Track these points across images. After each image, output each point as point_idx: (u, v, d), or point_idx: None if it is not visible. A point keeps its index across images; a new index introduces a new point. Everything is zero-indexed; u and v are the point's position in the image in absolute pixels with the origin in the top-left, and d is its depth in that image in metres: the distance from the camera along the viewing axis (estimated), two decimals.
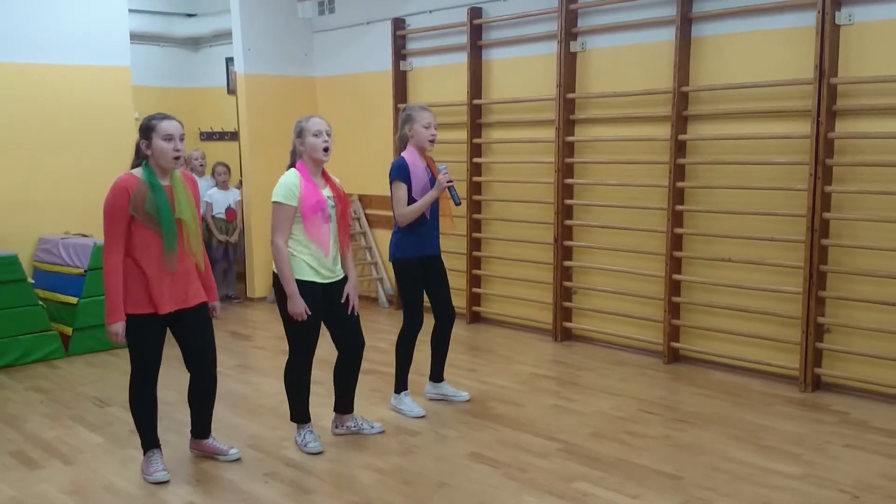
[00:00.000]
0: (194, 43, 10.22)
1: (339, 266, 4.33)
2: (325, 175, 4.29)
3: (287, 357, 4.36)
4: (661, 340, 6.01)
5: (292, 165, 4.26)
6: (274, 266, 4.18)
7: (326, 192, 4.22)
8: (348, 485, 3.95)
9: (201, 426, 4.27)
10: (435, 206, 4.76)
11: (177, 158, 3.83)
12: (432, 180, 4.72)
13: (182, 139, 3.85)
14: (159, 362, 3.98)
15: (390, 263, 4.91)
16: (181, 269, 3.89)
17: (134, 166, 3.89)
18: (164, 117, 3.85)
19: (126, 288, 3.78)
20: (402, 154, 4.76)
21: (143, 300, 3.82)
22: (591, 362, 6.02)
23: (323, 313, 4.27)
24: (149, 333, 3.87)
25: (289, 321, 4.20)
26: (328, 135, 4.21)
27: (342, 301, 4.31)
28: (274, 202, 4.12)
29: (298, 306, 4.12)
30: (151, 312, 3.84)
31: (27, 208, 6.78)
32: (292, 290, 4.11)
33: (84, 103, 7.07)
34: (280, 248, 4.11)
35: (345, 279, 4.36)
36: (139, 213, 3.75)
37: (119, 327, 3.78)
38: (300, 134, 4.21)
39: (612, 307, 6.37)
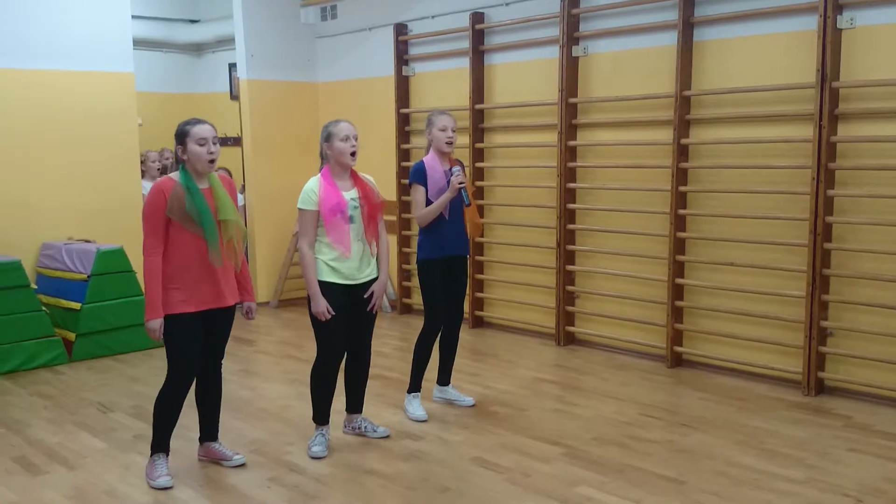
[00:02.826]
0: (197, 49, 10.25)
1: (369, 269, 4.37)
2: (354, 176, 4.33)
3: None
4: (664, 344, 6.00)
5: (322, 167, 4.35)
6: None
7: (351, 194, 4.27)
8: (352, 490, 3.95)
9: (209, 428, 4.29)
10: (457, 207, 4.81)
11: (212, 161, 3.91)
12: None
13: (216, 142, 3.94)
14: (196, 365, 4.01)
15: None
16: (220, 269, 3.95)
17: (172, 170, 4.01)
18: (197, 122, 3.95)
19: (165, 288, 3.86)
20: (424, 158, 4.85)
21: (182, 300, 3.89)
22: (594, 367, 6.02)
23: (348, 314, 4.31)
24: (187, 333, 3.92)
25: (315, 322, 4.26)
26: (355, 139, 4.28)
27: (364, 297, 4.34)
28: (298, 208, 4.24)
29: (319, 305, 4.19)
30: (190, 311, 3.90)
31: (30, 214, 6.80)
32: (313, 291, 4.21)
33: (88, 109, 7.09)
34: (303, 251, 4.22)
35: (375, 279, 4.40)
36: (175, 215, 3.83)
37: (156, 324, 3.85)
38: (328, 138, 4.27)
39: (614, 311, 6.37)
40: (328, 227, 4.19)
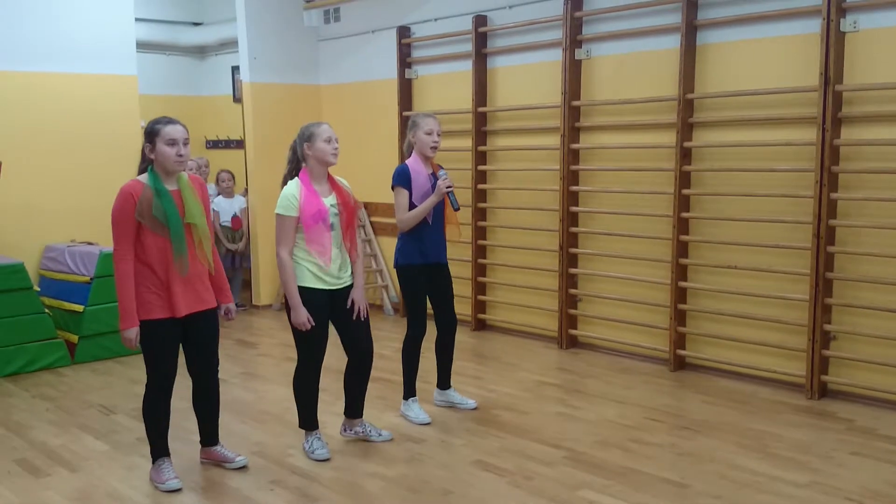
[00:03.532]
0: (200, 51, 10.26)
1: (347, 273, 4.32)
2: (331, 180, 4.28)
3: (295, 364, 4.37)
4: (667, 348, 6.00)
5: (292, 172, 4.26)
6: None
7: (330, 199, 4.21)
8: (354, 492, 3.95)
9: (209, 433, 4.26)
10: (439, 213, 4.77)
11: (179, 163, 3.83)
12: (435, 186, 4.72)
13: (186, 144, 3.84)
14: (175, 368, 3.96)
15: (395, 270, 4.92)
16: (193, 273, 3.88)
17: (141, 171, 3.90)
18: (169, 121, 3.84)
19: (140, 293, 3.79)
20: (407, 161, 4.78)
21: (157, 305, 3.82)
22: (597, 370, 6.01)
23: (330, 319, 4.28)
24: (164, 338, 3.87)
25: (296, 329, 4.21)
26: (336, 141, 4.24)
27: (347, 307, 4.31)
28: (276, 214, 4.15)
29: (301, 316, 4.13)
30: (166, 317, 3.85)
31: (33, 216, 6.81)
32: (295, 302, 4.13)
33: (91, 112, 7.10)
34: (283, 260, 4.13)
35: (353, 285, 4.36)
36: (145, 218, 3.75)
37: (132, 333, 3.79)
38: (309, 138, 4.21)
39: (617, 314, 6.36)
40: (309, 235, 4.13)
